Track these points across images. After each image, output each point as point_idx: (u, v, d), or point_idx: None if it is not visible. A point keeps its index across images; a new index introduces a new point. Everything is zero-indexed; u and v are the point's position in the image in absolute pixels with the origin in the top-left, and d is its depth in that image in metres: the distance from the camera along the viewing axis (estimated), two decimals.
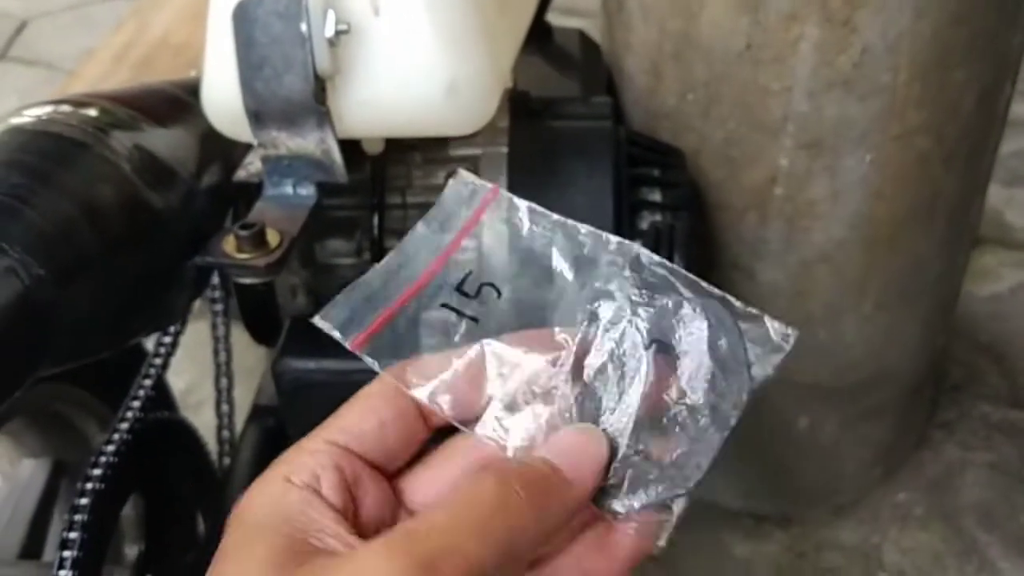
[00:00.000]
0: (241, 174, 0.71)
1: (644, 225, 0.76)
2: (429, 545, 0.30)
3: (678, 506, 0.36)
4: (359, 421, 0.37)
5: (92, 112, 0.63)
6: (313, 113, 0.63)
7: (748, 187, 0.85)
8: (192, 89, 0.77)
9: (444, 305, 0.41)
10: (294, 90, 0.62)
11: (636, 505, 0.35)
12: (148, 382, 0.76)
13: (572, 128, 0.77)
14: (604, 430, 0.36)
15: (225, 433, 0.88)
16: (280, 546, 0.32)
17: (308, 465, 0.36)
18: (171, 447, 0.84)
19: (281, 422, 0.88)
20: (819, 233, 0.86)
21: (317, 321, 0.40)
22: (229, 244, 0.61)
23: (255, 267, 0.60)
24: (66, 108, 0.63)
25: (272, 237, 0.62)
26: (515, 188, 0.73)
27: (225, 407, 0.88)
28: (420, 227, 0.42)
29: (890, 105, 0.80)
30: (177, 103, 0.72)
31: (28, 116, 0.61)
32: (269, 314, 0.78)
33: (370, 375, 0.61)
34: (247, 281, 0.64)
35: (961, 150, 0.86)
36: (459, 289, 0.42)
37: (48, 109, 0.63)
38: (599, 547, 0.36)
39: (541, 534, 0.33)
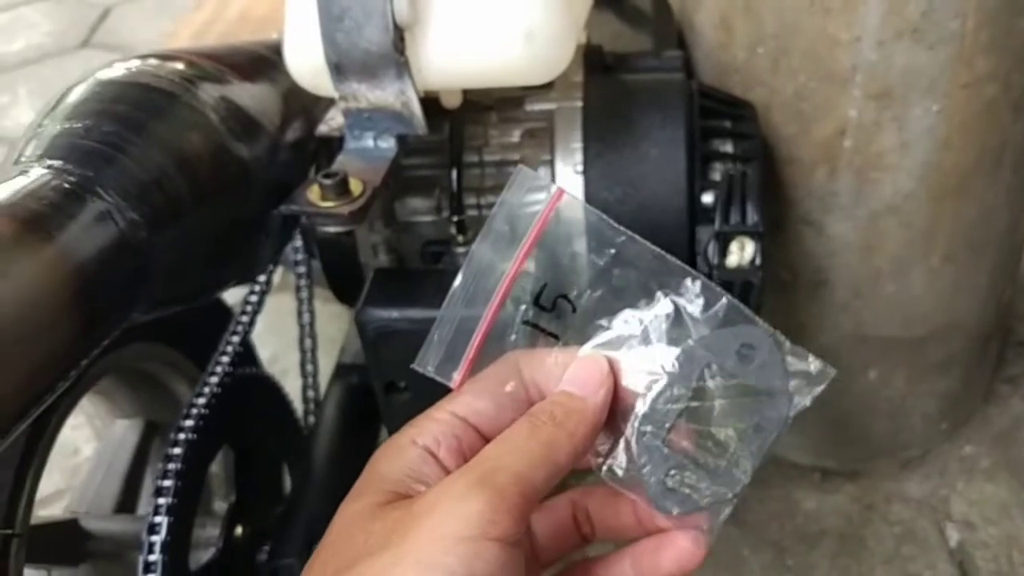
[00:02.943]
0: (323, 128, 0.74)
1: (716, 176, 0.77)
2: (484, 467, 0.38)
3: (724, 513, 0.43)
4: (478, 399, 0.43)
5: (179, 65, 0.66)
6: (392, 64, 0.65)
7: (818, 140, 0.86)
8: (275, 48, 0.80)
9: (526, 323, 0.44)
10: (373, 41, 0.64)
11: (688, 508, 0.42)
12: (236, 338, 0.79)
13: (645, 81, 0.78)
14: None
15: (310, 393, 0.91)
16: (391, 491, 0.40)
17: (432, 431, 0.42)
18: (258, 403, 0.86)
19: (364, 378, 0.90)
20: (887, 185, 0.86)
21: (416, 367, 0.45)
22: (313, 193, 0.63)
23: (339, 215, 0.62)
24: (153, 61, 0.65)
25: (355, 186, 0.64)
26: (590, 141, 0.75)
27: (310, 367, 0.90)
28: (483, 246, 0.44)
29: (958, 53, 0.80)
30: (261, 60, 0.75)
31: (118, 69, 0.64)
32: (352, 272, 0.80)
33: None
34: (331, 229, 0.66)
35: None
36: (537, 303, 0.44)
37: (136, 63, 0.65)
38: (656, 550, 0.43)
39: (571, 445, 0.40)
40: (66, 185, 0.53)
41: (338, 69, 0.65)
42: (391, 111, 0.67)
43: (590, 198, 0.74)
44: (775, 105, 0.86)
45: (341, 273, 0.81)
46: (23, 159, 0.56)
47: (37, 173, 0.53)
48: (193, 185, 0.60)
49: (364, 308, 0.68)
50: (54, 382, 0.48)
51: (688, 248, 0.75)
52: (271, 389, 0.88)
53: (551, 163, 0.76)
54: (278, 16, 1.34)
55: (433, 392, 0.69)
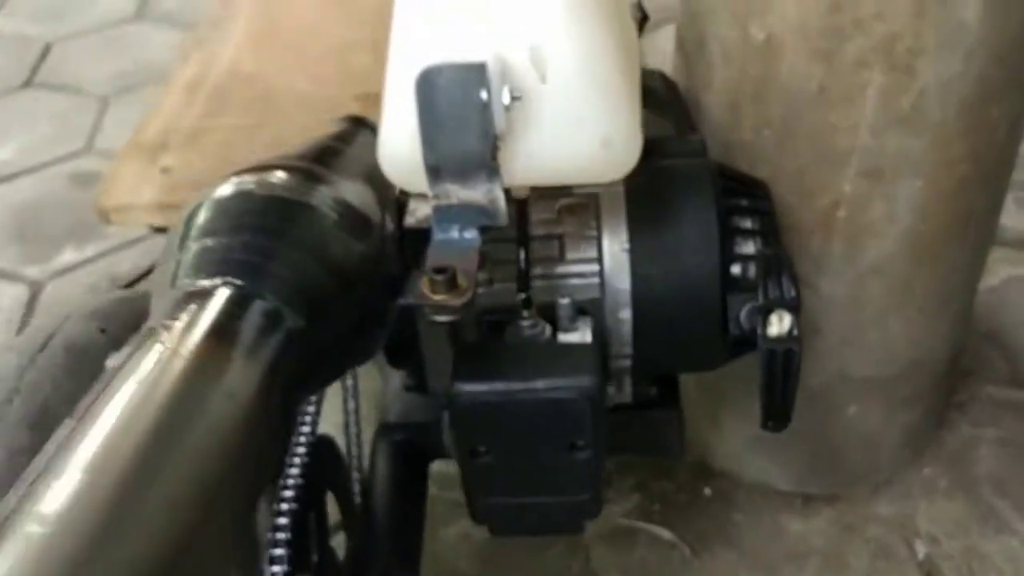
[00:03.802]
0: (410, 221, 0.81)
1: (740, 249, 0.87)
2: None
3: None
4: None
5: (297, 173, 0.73)
6: (485, 168, 0.73)
7: (815, 211, 0.97)
8: (342, 137, 0.87)
9: None
10: (471, 149, 0.72)
11: None
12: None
13: (677, 166, 0.88)
14: None
15: (354, 450, 0.98)
16: None
17: None
18: (329, 463, 0.93)
19: (410, 438, 0.97)
20: (874, 249, 0.98)
21: None
22: (425, 286, 0.72)
23: (451, 307, 0.70)
24: (280, 174, 0.72)
25: (460, 278, 0.72)
26: (633, 221, 0.85)
27: (354, 428, 0.97)
28: None
29: (940, 138, 0.92)
30: (340, 154, 0.82)
31: (244, 184, 0.71)
32: (409, 340, 0.88)
33: (535, 395, 0.73)
34: (441, 319, 0.74)
35: (992, 172, 0.99)
36: None
37: (258, 176, 0.72)
38: None
39: None
40: (243, 296, 0.60)
41: (435, 172, 0.74)
42: (478, 206, 0.76)
43: (635, 272, 0.84)
44: (778, 180, 0.96)
45: (397, 343, 0.88)
46: (184, 279, 0.62)
47: (218, 292, 0.60)
48: (335, 281, 0.67)
49: (457, 383, 0.76)
50: (274, 477, 0.55)
51: (721, 316, 0.85)
52: (334, 450, 0.95)
53: (598, 239, 0.85)
54: (267, 72, 1.40)
55: (514, 453, 0.78)
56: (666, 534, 1.14)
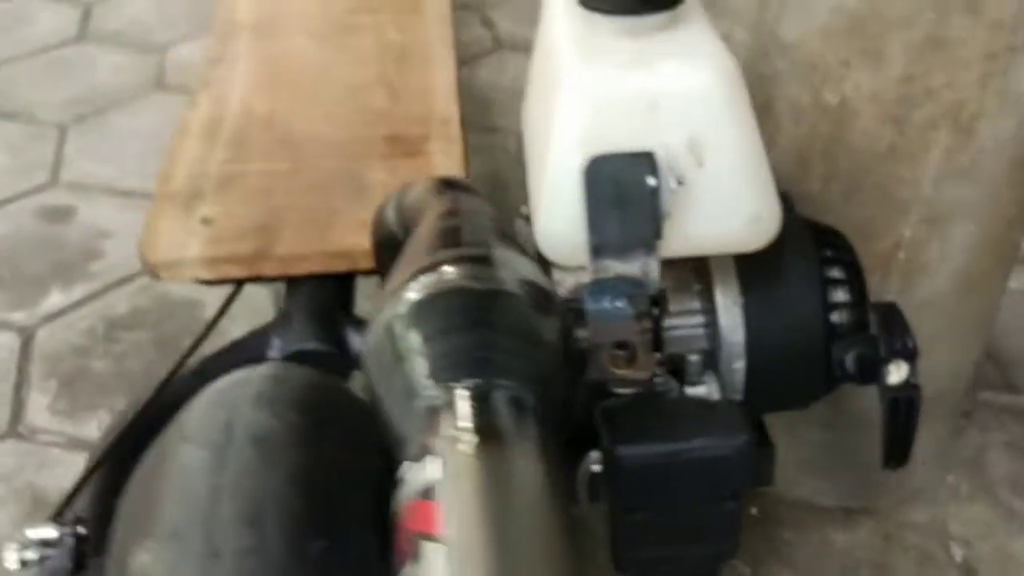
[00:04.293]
0: (562, 292, 0.85)
1: (835, 298, 0.94)
2: None
3: None
4: None
5: (481, 262, 0.73)
6: (646, 245, 0.78)
7: (877, 253, 1.04)
8: (472, 210, 0.89)
9: None
10: (637, 231, 0.77)
11: None
12: None
13: None
14: None
15: None
16: None
17: None
18: None
19: None
20: (927, 285, 1.06)
21: None
22: (607, 361, 0.76)
23: (636, 380, 0.75)
24: (469, 266, 0.71)
25: (640, 352, 0.76)
26: (744, 275, 0.90)
27: None
28: None
29: (992, 188, 1.01)
30: (487, 229, 0.84)
31: (448, 280, 0.70)
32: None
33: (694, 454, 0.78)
34: (622, 391, 0.78)
35: None
36: None
37: (450, 271, 0.71)
38: None
39: None
40: (490, 391, 0.62)
41: (597, 251, 0.78)
42: (632, 279, 0.80)
43: (749, 325, 0.89)
44: (844, 227, 1.03)
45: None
46: (427, 387, 0.63)
47: (474, 392, 0.62)
48: (546, 359, 0.69)
49: (618, 447, 0.80)
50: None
51: (825, 364, 0.91)
52: None
53: (709, 292, 0.90)
54: (282, 114, 1.40)
55: (667, 508, 0.83)
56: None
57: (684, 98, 0.75)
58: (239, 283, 1.21)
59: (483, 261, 0.75)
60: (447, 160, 1.31)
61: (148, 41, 2.25)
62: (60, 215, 1.76)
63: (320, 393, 0.81)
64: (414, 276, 0.74)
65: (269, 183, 1.26)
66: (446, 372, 0.64)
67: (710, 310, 0.90)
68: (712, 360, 0.90)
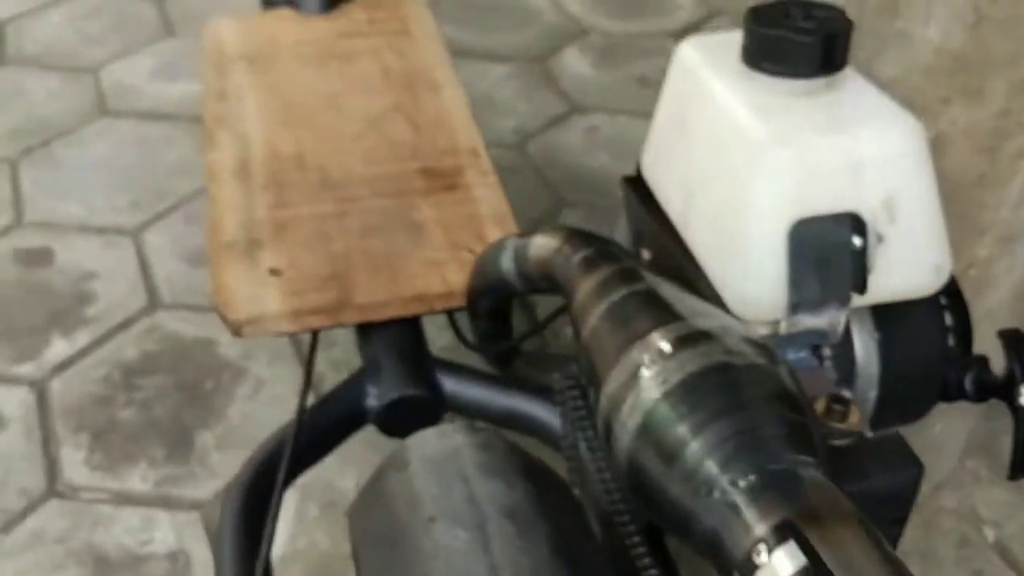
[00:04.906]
0: None
1: (947, 324, 1.02)
2: None
3: None
4: None
5: (724, 337, 0.68)
6: (840, 302, 0.83)
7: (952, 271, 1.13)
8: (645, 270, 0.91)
9: None
10: (836, 288, 0.82)
11: None
12: None
13: None
14: None
15: None
16: None
17: None
18: None
19: None
20: (992, 297, 1.16)
21: None
22: (824, 415, 0.80)
23: (854, 431, 0.80)
24: (706, 340, 0.71)
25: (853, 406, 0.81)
26: (877, 316, 0.97)
27: None
28: None
29: None
30: (673, 290, 0.87)
31: (701, 358, 0.66)
32: None
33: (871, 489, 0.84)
34: (837, 443, 0.83)
35: None
36: None
37: (699, 346, 0.67)
38: None
39: None
40: (797, 470, 0.65)
41: (794, 307, 0.83)
42: (817, 331, 0.85)
43: (884, 358, 0.96)
44: None
45: None
46: (724, 481, 0.60)
47: (779, 477, 0.64)
48: (806, 416, 0.71)
49: None
50: None
51: (941, 386, 0.99)
52: None
53: (846, 331, 0.96)
54: (310, 152, 1.40)
55: None
56: None
57: (885, 160, 0.81)
58: (314, 333, 1.21)
59: (704, 335, 0.77)
60: (487, 192, 1.33)
61: (76, 63, 2.17)
62: (38, 258, 1.69)
63: (522, 457, 0.83)
64: (654, 360, 0.68)
65: (323, 227, 1.25)
66: (741, 459, 0.61)
67: (847, 344, 0.96)
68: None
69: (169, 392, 1.48)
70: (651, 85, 2.22)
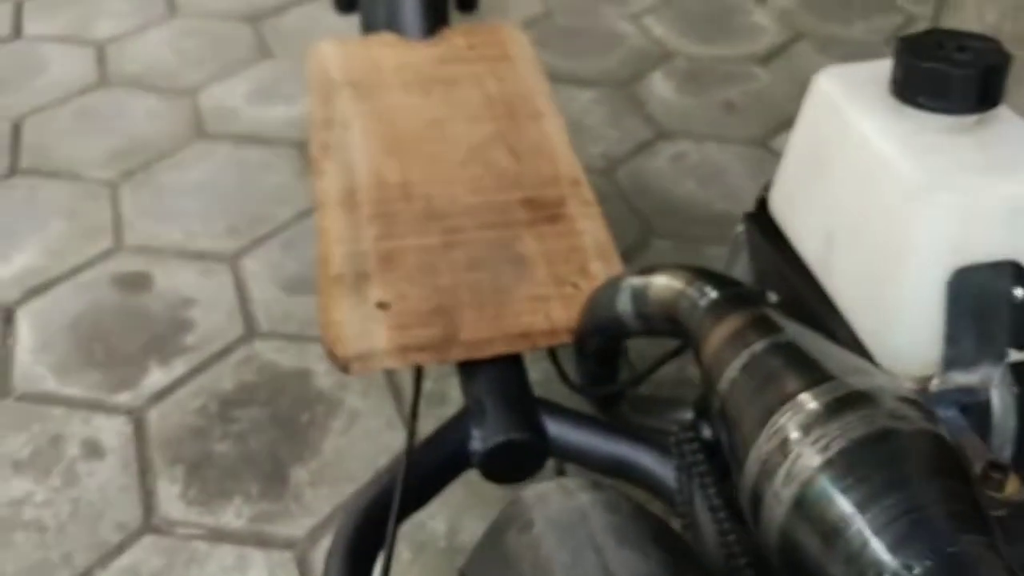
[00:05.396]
0: None
1: None
2: None
3: None
4: None
5: (903, 403, 0.64)
6: (997, 357, 0.76)
7: None
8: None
9: None
10: (994, 342, 0.75)
11: None
12: None
13: None
14: None
15: None
16: None
17: None
18: None
19: None
20: None
21: None
22: (981, 483, 0.74)
23: (1007, 502, 0.73)
24: (868, 402, 0.63)
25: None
26: (1016, 371, 0.89)
27: None
28: None
29: None
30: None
31: (872, 423, 0.62)
32: None
33: None
34: (996, 514, 0.77)
35: None
36: None
37: (877, 407, 0.63)
38: None
39: None
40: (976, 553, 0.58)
41: (949, 363, 0.76)
42: (967, 387, 0.79)
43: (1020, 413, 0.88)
44: None
45: None
46: (880, 570, 0.56)
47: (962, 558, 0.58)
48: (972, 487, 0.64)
49: None
50: None
51: None
52: None
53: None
54: (416, 181, 1.36)
55: None
56: None
57: None
58: (419, 368, 1.17)
59: (870, 395, 0.70)
60: (589, 223, 1.29)
61: (175, 84, 2.17)
62: (137, 283, 1.68)
63: (650, 520, 0.78)
64: (811, 424, 0.63)
65: (428, 260, 1.22)
66: (916, 542, 0.56)
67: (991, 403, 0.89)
68: None
69: (265, 425, 1.46)
70: (737, 110, 2.16)
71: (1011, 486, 0.74)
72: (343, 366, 1.10)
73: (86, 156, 1.95)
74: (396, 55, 1.58)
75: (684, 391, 1.36)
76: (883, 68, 0.85)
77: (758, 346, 0.74)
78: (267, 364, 1.55)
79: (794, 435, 0.64)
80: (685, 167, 2.00)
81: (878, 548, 0.57)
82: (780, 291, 0.96)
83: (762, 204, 1.02)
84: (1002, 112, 0.81)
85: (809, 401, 0.65)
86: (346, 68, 1.55)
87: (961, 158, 0.76)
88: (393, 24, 1.62)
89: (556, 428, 1.11)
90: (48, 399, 1.49)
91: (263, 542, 1.31)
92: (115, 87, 2.15)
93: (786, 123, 2.09)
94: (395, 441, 1.45)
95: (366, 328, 1.13)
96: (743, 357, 0.74)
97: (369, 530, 1.01)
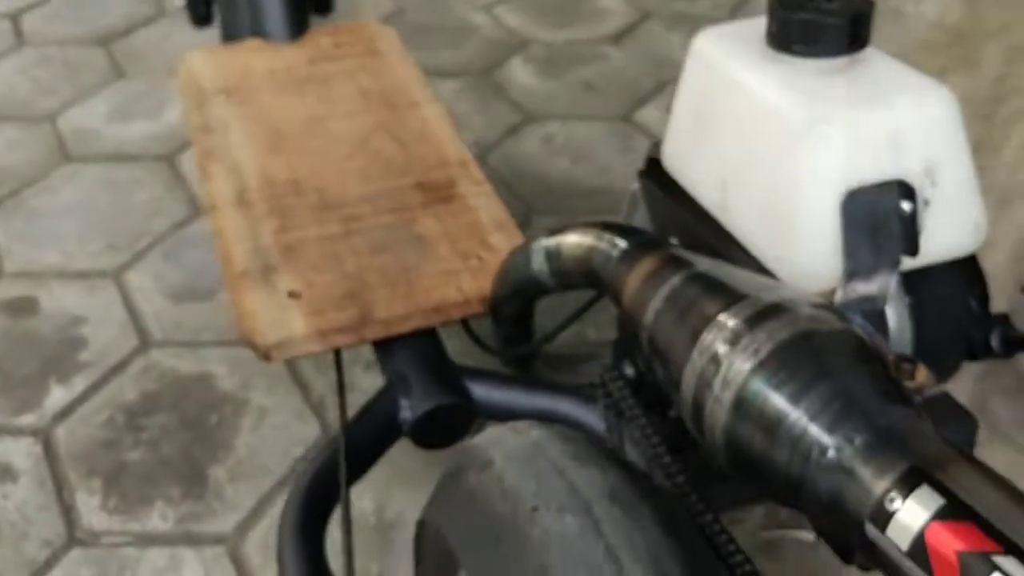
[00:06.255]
0: None
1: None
2: None
3: None
4: None
5: (804, 303, 0.72)
6: (892, 266, 0.86)
7: None
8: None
9: None
10: (888, 253, 0.85)
11: None
12: None
13: None
14: None
15: None
16: None
17: None
18: None
19: None
20: (989, 259, 1.19)
21: None
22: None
23: (919, 389, 0.82)
24: (785, 312, 0.71)
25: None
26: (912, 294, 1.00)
27: None
28: None
29: None
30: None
31: (801, 323, 0.69)
32: None
33: None
34: None
35: None
36: None
37: (794, 313, 0.71)
38: None
39: None
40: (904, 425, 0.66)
41: (849, 275, 0.86)
42: (867, 296, 0.88)
43: (917, 321, 0.99)
44: None
45: None
46: (823, 448, 0.63)
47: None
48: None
49: None
50: None
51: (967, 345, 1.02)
52: None
53: None
54: (304, 176, 1.39)
55: None
56: (807, 536, 1.31)
57: (925, 128, 0.85)
58: (337, 351, 1.21)
59: (784, 305, 0.78)
60: (483, 200, 1.35)
61: (32, 111, 2.14)
62: (23, 308, 1.66)
63: (600, 443, 0.84)
64: (739, 334, 0.71)
65: (331, 248, 1.26)
66: (851, 419, 0.64)
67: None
68: None
69: (175, 430, 1.47)
70: (596, 90, 2.26)
71: (920, 375, 0.83)
72: (264, 354, 1.14)
73: None
74: (265, 59, 1.61)
75: (587, 349, 1.43)
76: (754, 26, 0.95)
77: (675, 280, 0.82)
78: (167, 371, 1.56)
79: (722, 349, 0.71)
80: (555, 147, 2.09)
81: (817, 431, 0.64)
82: (680, 236, 1.04)
83: (652, 162, 1.10)
84: (870, 53, 0.91)
85: (733, 316, 0.73)
86: (217, 76, 1.57)
87: (840, 95, 0.86)
88: (258, 30, 1.65)
89: (479, 389, 1.17)
90: None
91: (193, 541, 1.33)
92: None
93: (644, 98, 2.21)
94: (307, 433, 1.48)
95: (281, 316, 1.16)
96: (663, 291, 0.82)
97: (316, 503, 1.05)
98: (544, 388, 1.18)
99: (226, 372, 1.57)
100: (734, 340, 0.71)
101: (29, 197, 1.91)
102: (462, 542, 0.75)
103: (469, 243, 1.28)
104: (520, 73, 2.31)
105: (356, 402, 1.50)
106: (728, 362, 0.70)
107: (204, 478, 1.41)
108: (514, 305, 1.16)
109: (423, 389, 1.14)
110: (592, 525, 0.69)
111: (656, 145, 1.12)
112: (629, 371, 1.08)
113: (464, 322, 1.25)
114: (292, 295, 1.19)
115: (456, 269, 1.24)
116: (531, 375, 1.28)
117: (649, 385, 1.06)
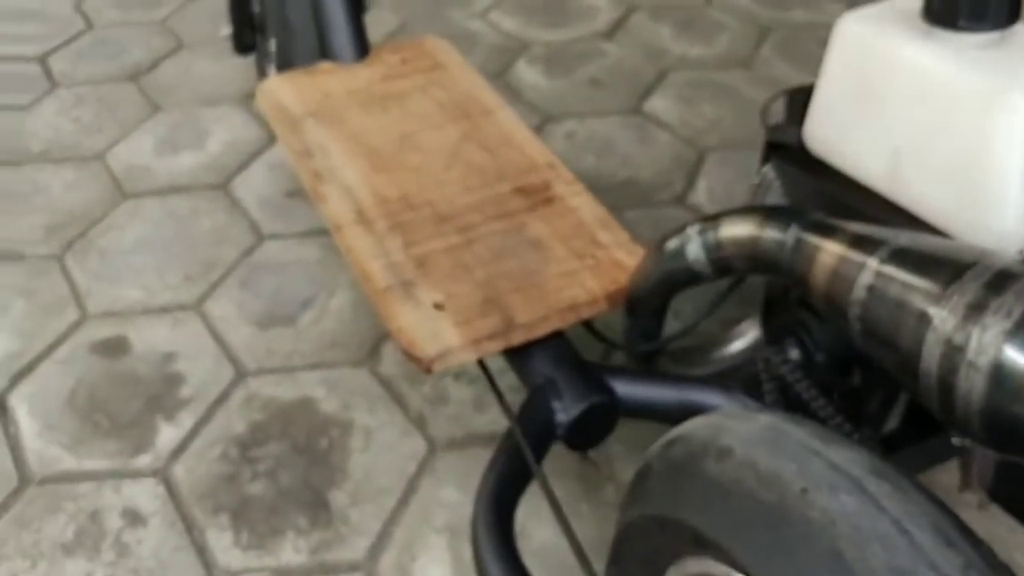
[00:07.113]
0: None
1: None
2: None
3: None
4: None
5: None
6: None
7: None
8: None
9: None
10: None
11: None
12: None
13: None
14: None
15: None
16: None
17: None
18: None
19: None
20: None
21: None
22: None
23: None
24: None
25: None
26: None
27: None
28: None
29: None
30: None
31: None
32: None
33: None
34: None
35: None
36: None
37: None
38: None
39: None
40: None
41: None
42: None
43: None
44: None
45: None
46: None
47: None
48: None
49: None
50: None
51: None
52: None
53: None
54: (412, 192, 1.39)
55: None
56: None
57: None
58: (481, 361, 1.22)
59: (1015, 268, 0.78)
60: (581, 199, 1.37)
61: (81, 152, 2.13)
62: (115, 348, 1.65)
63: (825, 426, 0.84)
64: (982, 303, 0.73)
65: (458, 259, 1.27)
66: None
67: None
68: None
69: (288, 458, 1.47)
70: (603, 85, 2.29)
71: None
72: (426, 367, 1.14)
73: (20, 235, 1.90)
74: (340, 81, 1.62)
75: (700, 341, 1.43)
76: (897, 5, 0.97)
77: (877, 258, 0.83)
78: (269, 400, 1.56)
79: (968, 317, 0.73)
80: (578, 144, 2.11)
81: None
82: (828, 212, 1.06)
83: (777, 147, 1.12)
84: (1018, 28, 0.93)
85: (971, 283, 0.75)
86: (299, 100, 1.57)
87: (1015, 64, 0.88)
88: (327, 52, 1.65)
89: (622, 387, 1.18)
90: (71, 477, 1.45)
91: (328, 570, 1.33)
92: (24, 165, 2.10)
93: (649, 89, 2.25)
94: (415, 448, 1.48)
95: (434, 328, 1.17)
96: (869, 271, 0.83)
97: (503, 510, 1.05)
98: (683, 381, 1.19)
99: (324, 395, 1.57)
100: (979, 306, 0.72)
101: (96, 237, 1.89)
102: (726, 532, 0.75)
103: (580, 243, 1.29)
104: (528, 75, 2.33)
105: (454, 413, 1.53)
106: (980, 329, 0.72)
107: (327, 504, 1.41)
108: (657, 298, 1.17)
109: (574, 390, 1.16)
110: (871, 500, 0.69)
111: (774, 130, 1.14)
112: (794, 354, 1.09)
113: (586, 321, 1.26)
114: (437, 307, 1.20)
115: (575, 269, 1.25)
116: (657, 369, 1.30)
117: (819, 366, 1.08)
